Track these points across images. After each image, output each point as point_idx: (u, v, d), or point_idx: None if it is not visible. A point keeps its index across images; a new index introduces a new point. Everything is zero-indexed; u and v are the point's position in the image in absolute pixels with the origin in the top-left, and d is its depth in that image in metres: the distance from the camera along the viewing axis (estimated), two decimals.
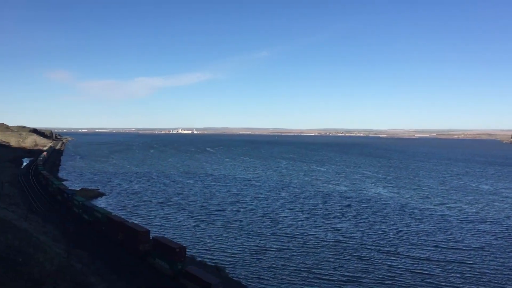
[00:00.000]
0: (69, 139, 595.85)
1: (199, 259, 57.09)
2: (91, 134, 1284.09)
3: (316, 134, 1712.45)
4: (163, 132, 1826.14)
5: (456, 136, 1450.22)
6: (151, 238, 51.95)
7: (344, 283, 49.88)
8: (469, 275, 53.33)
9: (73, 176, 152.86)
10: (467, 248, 65.44)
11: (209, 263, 55.10)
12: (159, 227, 76.76)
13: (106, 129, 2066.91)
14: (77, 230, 64.40)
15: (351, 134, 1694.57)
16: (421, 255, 61.31)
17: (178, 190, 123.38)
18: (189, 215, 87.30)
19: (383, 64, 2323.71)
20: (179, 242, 54.20)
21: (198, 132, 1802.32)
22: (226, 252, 61.85)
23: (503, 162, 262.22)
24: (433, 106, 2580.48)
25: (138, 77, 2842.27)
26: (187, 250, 49.45)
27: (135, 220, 77.78)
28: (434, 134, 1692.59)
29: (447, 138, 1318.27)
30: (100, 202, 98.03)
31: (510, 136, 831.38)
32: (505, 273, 55.03)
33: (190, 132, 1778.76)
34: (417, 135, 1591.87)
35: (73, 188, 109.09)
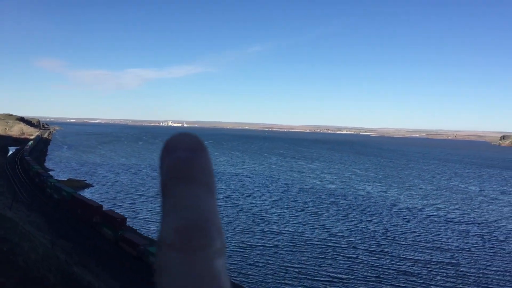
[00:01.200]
0: (57, 128, 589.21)
1: None
2: (79, 124, 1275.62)
3: (307, 131, 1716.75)
4: (152, 124, 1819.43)
5: (445, 137, 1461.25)
6: (102, 211, 65.23)
7: (330, 282, 49.42)
8: (454, 276, 53.19)
9: (60, 167, 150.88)
10: (453, 249, 65.35)
11: None
12: (143, 220, 75.88)
13: (95, 119, 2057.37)
14: (45, 207, 76.86)
15: (341, 132, 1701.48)
16: (408, 255, 61.06)
17: None
18: None
19: (375, 63, 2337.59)
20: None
21: (189, 125, 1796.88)
22: None
23: (492, 163, 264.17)
24: (423, 106, 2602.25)
25: (129, 68, 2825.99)
26: None
27: (120, 212, 77.38)
28: (424, 134, 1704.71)
29: (436, 138, 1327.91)
30: (86, 193, 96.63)
31: (499, 138, 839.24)
32: (490, 275, 54.97)
33: (180, 125, 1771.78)
34: (407, 135, 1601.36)
35: (59, 179, 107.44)
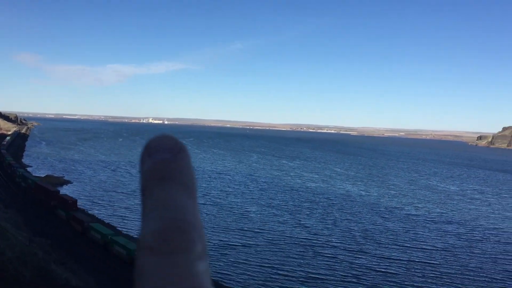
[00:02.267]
0: (35, 124, 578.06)
1: None
2: (58, 120, 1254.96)
3: (288, 129, 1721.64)
4: (133, 120, 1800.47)
5: (424, 136, 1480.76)
6: (58, 195, 73.83)
7: (309, 280, 49.43)
8: (431, 275, 53.77)
9: (37, 163, 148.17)
10: (431, 248, 66.05)
11: None
12: (121, 217, 75.05)
13: (74, 115, 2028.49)
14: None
15: (322, 130, 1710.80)
16: (386, 254, 61.48)
17: None
18: None
19: (355, 62, 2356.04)
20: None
21: (169, 122, 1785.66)
22: None
23: (469, 163, 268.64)
24: (402, 106, 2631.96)
25: (109, 63, 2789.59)
26: None
27: (97, 210, 77.17)
28: (403, 133, 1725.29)
29: (415, 137, 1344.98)
30: (64, 190, 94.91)
31: (476, 138, 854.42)
32: (466, 273, 55.72)
33: (161, 122, 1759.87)
34: (387, 134, 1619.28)
35: (37, 175, 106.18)
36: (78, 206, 73.52)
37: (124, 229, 67.08)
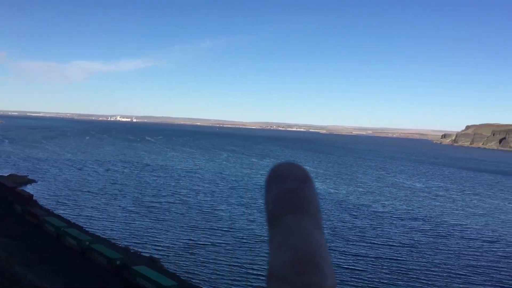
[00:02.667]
0: None
1: (132, 251, 55.56)
2: (22, 117, 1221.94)
3: (258, 127, 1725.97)
4: (100, 118, 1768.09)
5: (390, 135, 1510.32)
6: (14, 191, 78.18)
7: None
8: (398, 271, 54.83)
9: (0, 161, 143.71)
10: (397, 245, 67.34)
11: (143, 255, 53.86)
12: (87, 218, 73.60)
13: (39, 113, 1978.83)
14: None
15: (292, 129, 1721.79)
16: (354, 251, 62.33)
17: (112, 179, 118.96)
18: (121, 206, 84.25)
19: (325, 61, 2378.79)
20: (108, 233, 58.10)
21: (138, 120, 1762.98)
22: (159, 245, 60.18)
23: (434, 161, 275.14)
24: (370, 104, 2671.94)
25: (75, 60, 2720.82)
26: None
27: (62, 210, 75.67)
28: (371, 131, 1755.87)
29: (382, 136, 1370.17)
30: (29, 189, 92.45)
31: (440, 137, 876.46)
32: (432, 269, 57.10)
33: (129, 120, 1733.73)
34: (355, 132, 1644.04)
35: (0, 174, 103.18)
36: (40, 204, 75.79)
37: (89, 227, 65.88)
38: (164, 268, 51.33)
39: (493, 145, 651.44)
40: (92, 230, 66.05)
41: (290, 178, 1.03)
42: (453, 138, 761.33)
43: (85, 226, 67.84)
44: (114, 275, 47.64)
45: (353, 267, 55.24)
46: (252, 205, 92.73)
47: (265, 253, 59.49)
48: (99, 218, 74.33)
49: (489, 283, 54.07)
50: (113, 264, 47.91)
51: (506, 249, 69.70)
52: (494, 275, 56.89)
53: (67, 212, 76.12)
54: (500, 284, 54.06)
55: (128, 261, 48.51)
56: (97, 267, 49.96)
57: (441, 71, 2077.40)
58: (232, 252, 58.86)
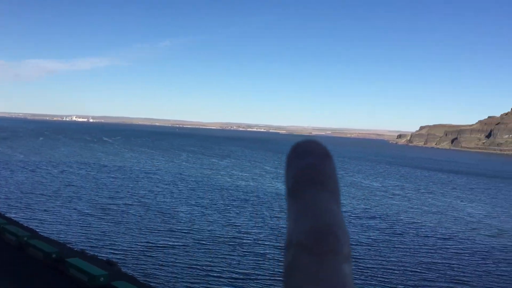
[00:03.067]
0: None
1: (89, 254, 53.91)
2: None
3: (218, 128, 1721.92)
4: (55, 119, 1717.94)
5: (349, 135, 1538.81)
6: None
7: (237, 280, 49.28)
8: (355, 269, 55.49)
9: None
10: (355, 244, 68.28)
11: (100, 257, 52.44)
12: (40, 221, 70.90)
13: None
14: None
15: (251, 129, 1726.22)
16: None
17: (67, 181, 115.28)
18: (76, 209, 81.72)
19: (284, 62, 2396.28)
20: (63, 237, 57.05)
21: (95, 121, 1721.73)
22: (116, 247, 58.65)
23: (391, 161, 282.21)
24: (329, 105, 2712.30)
25: (28, 58, 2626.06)
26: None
27: (15, 213, 72.31)
28: (330, 132, 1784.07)
29: (341, 136, 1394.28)
30: None
31: (396, 137, 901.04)
32: (388, 266, 58.23)
33: (85, 120, 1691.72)
34: (314, 133, 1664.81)
35: None
36: None
37: (40, 230, 63.43)
38: (99, 259, 52.11)
39: (445, 145, 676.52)
40: (45, 234, 63.68)
41: (310, 154, 1.09)
42: (408, 138, 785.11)
43: (38, 230, 65.32)
44: (50, 268, 48.74)
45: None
46: (212, 206, 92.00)
47: (224, 254, 59.11)
48: (52, 221, 71.71)
49: (443, 279, 55.66)
50: (49, 257, 48.94)
51: (459, 246, 72.09)
52: (448, 272, 58.64)
53: (19, 216, 73.07)
54: (454, 280, 55.75)
55: (65, 255, 49.70)
56: (33, 261, 50.48)
57: (395, 73, 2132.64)
58: (191, 254, 58.11)
